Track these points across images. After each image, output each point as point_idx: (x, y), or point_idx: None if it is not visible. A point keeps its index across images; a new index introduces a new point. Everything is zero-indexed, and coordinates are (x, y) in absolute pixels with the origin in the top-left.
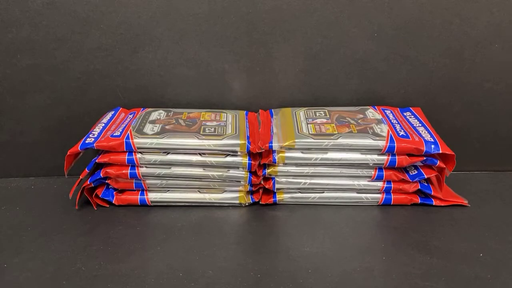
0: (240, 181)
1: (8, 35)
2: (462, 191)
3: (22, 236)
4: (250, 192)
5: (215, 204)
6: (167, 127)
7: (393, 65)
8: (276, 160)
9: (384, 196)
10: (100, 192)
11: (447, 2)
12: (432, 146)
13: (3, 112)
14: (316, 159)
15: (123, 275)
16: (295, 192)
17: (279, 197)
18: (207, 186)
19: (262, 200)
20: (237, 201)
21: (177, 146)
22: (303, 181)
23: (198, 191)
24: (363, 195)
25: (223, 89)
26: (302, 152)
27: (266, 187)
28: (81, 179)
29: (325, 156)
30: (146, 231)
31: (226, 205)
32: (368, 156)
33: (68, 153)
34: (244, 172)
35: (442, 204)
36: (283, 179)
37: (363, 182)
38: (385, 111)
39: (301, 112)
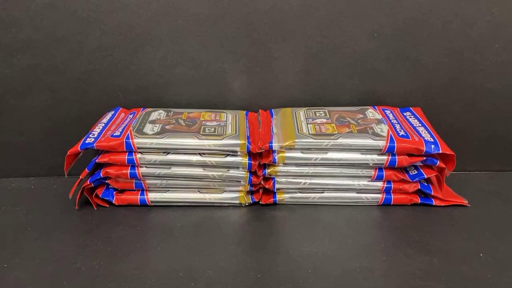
0: (240, 181)
1: (8, 35)
2: (462, 191)
3: (22, 236)
4: (250, 192)
5: (215, 204)
6: (167, 127)
7: (393, 65)
8: (276, 160)
9: (384, 196)
10: (100, 192)
11: (447, 2)
12: (432, 146)
13: (3, 112)
14: (316, 159)
15: (123, 275)
16: (295, 192)
17: (279, 197)
18: (207, 186)
19: (262, 200)
20: (237, 201)
21: (177, 146)
22: (303, 181)
23: (198, 191)
24: (363, 195)
25: (223, 89)
26: (302, 152)
27: (266, 187)
28: (81, 179)
29: (325, 156)
30: (146, 231)
31: (226, 205)
32: (368, 156)
33: (68, 153)
34: (244, 172)
35: (442, 204)
36: (283, 179)
37: (363, 182)
38: (385, 111)
39: (301, 112)
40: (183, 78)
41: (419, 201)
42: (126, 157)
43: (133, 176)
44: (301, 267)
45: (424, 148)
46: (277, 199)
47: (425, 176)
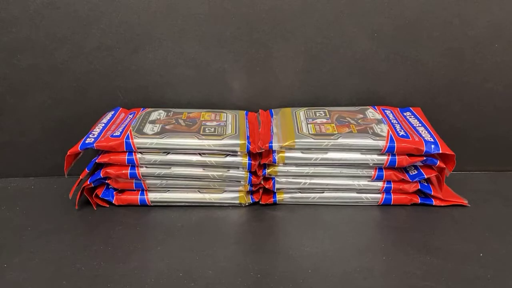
0: (240, 181)
1: (8, 35)
2: (462, 191)
3: (22, 236)
4: (250, 192)
5: (215, 204)
6: (167, 127)
7: (393, 65)
8: (276, 160)
9: (384, 196)
10: (100, 192)
11: (447, 2)
12: (432, 146)
13: (3, 112)
14: (316, 159)
15: (123, 275)
16: (295, 192)
17: (279, 197)
18: (207, 186)
19: (262, 200)
20: (237, 201)
21: (177, 146)
22: (303, 181)
23: (198, 191)
24: (363, 195)
25: (223, 89)
26: (302, 152)
27: (266, 187)
28: (81, 179)
29: (325, 156)
30: (146, 231)
31: (226, 205)
32: (368, 156)
33: (68, 153)
34: (244, 172)
35: (442, 204)
36: (283, 179)
37: (363, 182)
38: (385, 111)
39: (301, 112)
40: (183, 78)
41: (419, 201)
42: (126, 157)
43: (133, 176)
44: (301, 267)
45: (424, 148)
46: (277, 199)
47: (425, 176)
